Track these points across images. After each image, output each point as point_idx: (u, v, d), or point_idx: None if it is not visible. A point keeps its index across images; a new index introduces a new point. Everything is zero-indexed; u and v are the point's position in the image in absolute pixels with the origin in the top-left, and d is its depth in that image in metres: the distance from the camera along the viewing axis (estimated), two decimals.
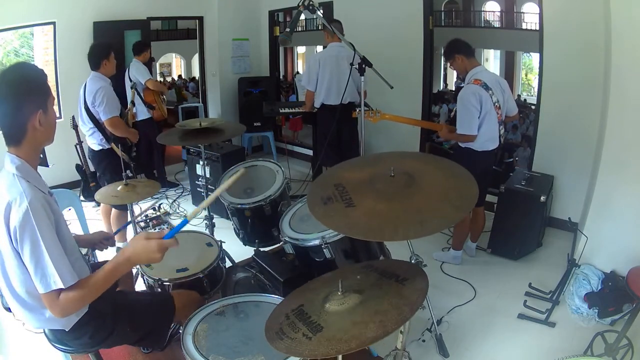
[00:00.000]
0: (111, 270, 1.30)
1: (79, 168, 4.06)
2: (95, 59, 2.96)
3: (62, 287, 1.22)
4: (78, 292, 1.26)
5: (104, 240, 1.82)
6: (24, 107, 1.26)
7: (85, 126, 3.07)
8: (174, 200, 4.44)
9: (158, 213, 4.05)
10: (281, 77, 8.06)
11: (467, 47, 2.79)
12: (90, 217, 3.51)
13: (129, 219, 3.29)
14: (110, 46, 3.07)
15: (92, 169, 3.46)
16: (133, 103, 3.47)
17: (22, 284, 1.29)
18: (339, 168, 1.58)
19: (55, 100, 4.20)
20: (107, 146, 3.07)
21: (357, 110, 2.67)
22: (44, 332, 1.53)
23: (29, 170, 1.32)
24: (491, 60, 8.67)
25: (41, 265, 1.21)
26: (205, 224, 2.85)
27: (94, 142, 3.08)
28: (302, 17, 5.30)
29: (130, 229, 3.20)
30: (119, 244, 3.33)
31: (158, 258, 1.29)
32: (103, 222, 3.36)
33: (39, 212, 1.21)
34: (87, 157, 3.38)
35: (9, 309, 2.42)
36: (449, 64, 2.93)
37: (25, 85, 1.27)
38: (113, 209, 3.20)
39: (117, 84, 4.41)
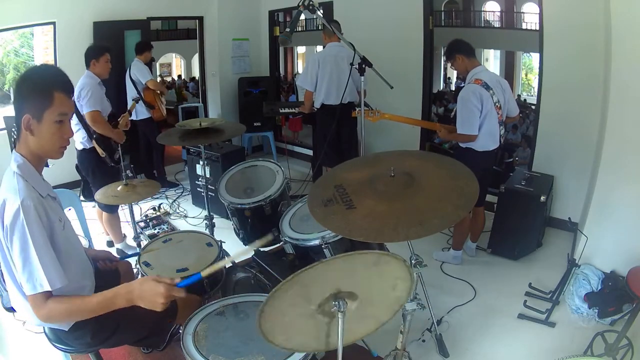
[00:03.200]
0: (108, 299, 1.27)
1: (79, 168, 4.05)
2: (85, 58, 2.99)
3: (49, 289, 1.20)
4: (67, 305, 1.24)
5: (107, 261, 1.79)
6: (19, 106, 1.28)
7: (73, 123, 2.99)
8: (174, 200, 4.44)
9: (158, 213, 4.05)
10: (281, 77, 8.06)
11: (467, 47, 2.79)
12: (91, 217, 3.50)
13: (124, 219, 3.29)
14: (104, 49, 3.04)
15: None
16: (130, 112, 3.37)
17: None
18: (339, 169, 1.58)
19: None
20: (89, 145, 3.01)
21: (357, 110, 2.67)
22: (44, 332, 1.53)
23: (31, 170, 1.32)
24: (491, 60, 8.66)
25: (28, 266, 1.20)
26: (205, 224, 2.86)
27: (78, 140, 3.03)
28: (302, 17, 5.30)
29: (129, 228, 3.21)
30: (118, 245, 3.34)
31: (160, 304, 1.25)
32: (100, 223, 3.34)
33: (29, 213, 1.20)
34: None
35: (9, 309, 2.43)
36: (449, 64, 2.93)
37: (24, 86, 1.28)
38: (104, 213, 3.17)
39: (118, 83, 4.44)
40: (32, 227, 1.20)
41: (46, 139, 1.30)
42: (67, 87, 1.32)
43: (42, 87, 1.27)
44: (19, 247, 1.20)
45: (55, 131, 1.30)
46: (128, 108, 4.25)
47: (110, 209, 3.13)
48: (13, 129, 1.36)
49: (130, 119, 4.35)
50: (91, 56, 2.98)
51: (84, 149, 3.03)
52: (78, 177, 4.07)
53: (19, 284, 1.31)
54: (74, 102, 2.86)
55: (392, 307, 1.22)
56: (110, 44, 3.26)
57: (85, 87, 2.90)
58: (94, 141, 2.97)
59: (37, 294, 1.21)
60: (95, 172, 3.04)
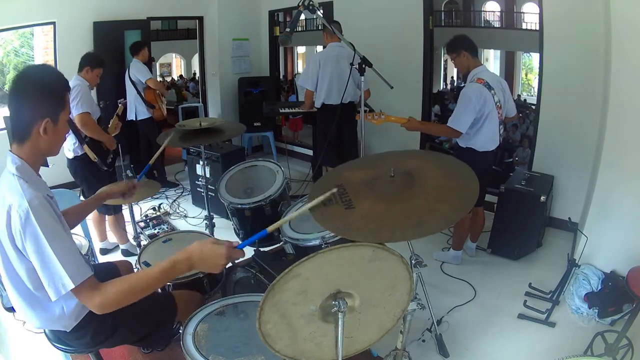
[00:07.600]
0: (167, 270, 1.21)
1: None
2: (81, 62, 2.96)
3: (73, 286, 1.16)
4: (120, 287, 1.20)
5: (132, 189, 1.93)
6: (35, 109, 1.25)
7: None
8: (174, 200, 4.44)
9: (158, 213, 4.05)
10: (281, 77, 8.06)
11: (474, 45, 2.80)
12: (90, 217, 3.50)
13: (126, 219, 3.28)
14: (102, 63, 3.03)
15: None
16: (118, 115, 3.27)
17: (29, 279, 1.26)
18: (341, 169, 1.58)
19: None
20: (80, 152, 2.92)
21: (359, 112, 2.67)
22: (44, 332, 1.53)
23: (29, 171, 1.30)
24: (491, 60, 8.66)
25: (47, 269, 1.17)
26: (205, 224, 2.86)
27: (68, 148, 2.94)
28: (302, 17, 5.30)
29: (129, 228, 3.21)
30: (122, 246, 3.34)
31: (221, 266, 1.21)
32: (95, 230, 3.28)
33: (39, 211, 1.18)
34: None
35: (9, 309, 2.43)
36: (451, 58, 2.88)
37: (43, 88, 1.25)
38: (107, 216, 3.16)
39: (117, 83, 4.44)
40: (44, 224, 1.17)
41: (58, 139, 1.34)
42: (69, 87, 1.36)
43: (57, 90, 1.28)
44: (34, 250, 1.17)
45: (65, 129, 1.35)
46: (127, 98, 4.26)
47: (114, 210, 3.11)
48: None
49: (130, 119, 4.38)
50: (88, 64, 2.95)
51: (75, 157, 2.94)
52: None
53: (23, 285, 1.29)
54: None
55: (394, 312, 1.21)
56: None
57: (75, 89, 2.81)
58: (85, 146, 2.87)
59: (78, 287, 1.17)
60: (90, 178, 2.96)
